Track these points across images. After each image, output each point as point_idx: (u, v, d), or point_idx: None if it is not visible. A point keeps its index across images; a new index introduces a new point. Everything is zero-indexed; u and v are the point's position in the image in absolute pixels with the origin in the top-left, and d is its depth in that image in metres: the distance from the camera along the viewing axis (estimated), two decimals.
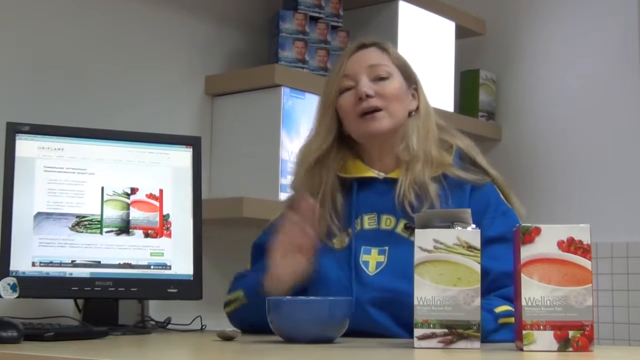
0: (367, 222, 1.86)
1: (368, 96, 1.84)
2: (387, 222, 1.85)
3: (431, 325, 1.42)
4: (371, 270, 1.81)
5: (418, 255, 1.43)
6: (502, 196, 1.89)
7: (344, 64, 1.89)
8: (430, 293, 1.42)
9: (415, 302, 1.43)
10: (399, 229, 1.84)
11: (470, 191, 1.85)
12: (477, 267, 1.42)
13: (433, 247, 1.43)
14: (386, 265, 1.81)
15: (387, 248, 1.82)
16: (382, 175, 1.89)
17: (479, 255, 1.43)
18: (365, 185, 1.89)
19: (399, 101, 1.88)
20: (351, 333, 1.65)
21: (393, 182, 1.86)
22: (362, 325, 1.73)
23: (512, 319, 1.59)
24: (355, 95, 1.86)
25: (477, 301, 1.42)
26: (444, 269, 1.42)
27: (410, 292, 1.74)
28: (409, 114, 1.91)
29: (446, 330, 1.42)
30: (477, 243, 1.43)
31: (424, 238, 1.44)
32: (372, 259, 1.83)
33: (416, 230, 1.45)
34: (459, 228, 1.45)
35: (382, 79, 1.87)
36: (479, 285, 1.43)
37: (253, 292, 1.79)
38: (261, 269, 1.81)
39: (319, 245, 1.81)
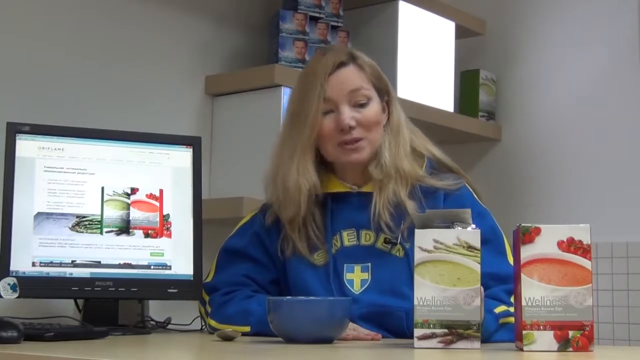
0: (347, 238, 1.86)
1: (351, 127, 1.83)
2: (367, 237, 1.85)
3: (431, 325, 1.42)
4: (356, 288, 1.82)
5: (418, 255, 1.43)
6: (475, 195, 1.90)
7: (324, 85, 1.83)
8: (430, 293, 1.42)
9: (415, 302, 1.43)
10: (379, 243, 1.84)
11: (443, 198, 1.86)
12: (477, 267, 1.42)
13: (433, 247, 1.43)
14: (371, 283, 1.82)
15: (369, 264, 1.83)
16: (355, 189, 1.89)
17: (479, 255, 1.43)
18: (339, 200, 1.89)
19: (378, 126, 1.88)
20: None
21: (368, 195, 1.86)
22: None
23: (512, 319, 1.59)
24: (336, 123, 1.83)
25: (477, 301, 1.42)
26: (444, 269, 1.42)
27: (399, 305, 1.75)
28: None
29: (446, 330, 1.42)
30: (477, 243, 1.43)
31: (424, 238, 1.44)
32: (356, 277, 1.83)
33: (416, 231, 1.45)
34: (459, 228, 1.45)
35: (362, 105, 1.85)
36: (479, 285, 1.43)
37: (264, 327, 1.69)
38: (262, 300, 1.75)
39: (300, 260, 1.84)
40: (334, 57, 1.88)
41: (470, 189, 1.90)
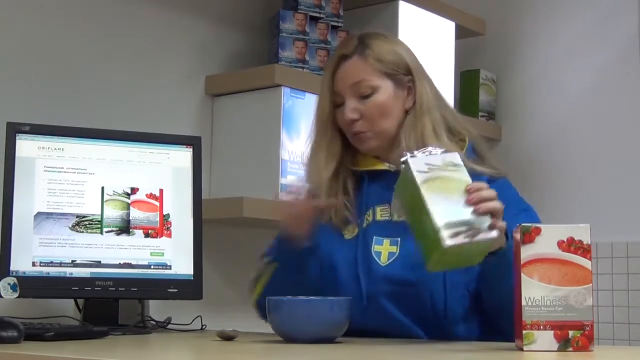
0: (380, 213, 1.84)
1: (353, 121, 1.83)
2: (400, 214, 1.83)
3: (455, 226, 1.48)
4: (383, 260, 1.78)
5: (421, 177, 1.51)
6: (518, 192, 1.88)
7: (332, 80, 1.86)
8: (444, 204, 1.49)
9: (436, 214, 1.48)
10: None
11: (487, 183, 1.84)
12: (467, 177, 1.53)
13: (427, 169, 1.53)
14: (398, 256, 1.78)
15: (399, 239, 1.80)
16: (392, 167, 1.88)
17: (464, 169, 1.54)
18: (376, 178, 1.87)
19: (385, 116, 1.85)
20: (360, 331, 1.67)
21: None
22: (375, 320, 1.70)
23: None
24: (341, 116, 1.85)
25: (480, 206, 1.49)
26: (441, 184, 1.52)
27: (425, 283, 1.73)
28: (407, 112, 1.87)
29: (467, 227, 1.47)
30: (459, 161, 1.54)
31: (418, 164, 1.54)
32: (384, 250, 1.80)
33: (409, 159, 1.54)
34: (439, 153, 1.56)
35: (366, 96, 1.84)
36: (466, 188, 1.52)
37: (281, 249, 1.80)
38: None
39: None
40: (340, 49, 1.91)
41: (512, 185, 1.88)
